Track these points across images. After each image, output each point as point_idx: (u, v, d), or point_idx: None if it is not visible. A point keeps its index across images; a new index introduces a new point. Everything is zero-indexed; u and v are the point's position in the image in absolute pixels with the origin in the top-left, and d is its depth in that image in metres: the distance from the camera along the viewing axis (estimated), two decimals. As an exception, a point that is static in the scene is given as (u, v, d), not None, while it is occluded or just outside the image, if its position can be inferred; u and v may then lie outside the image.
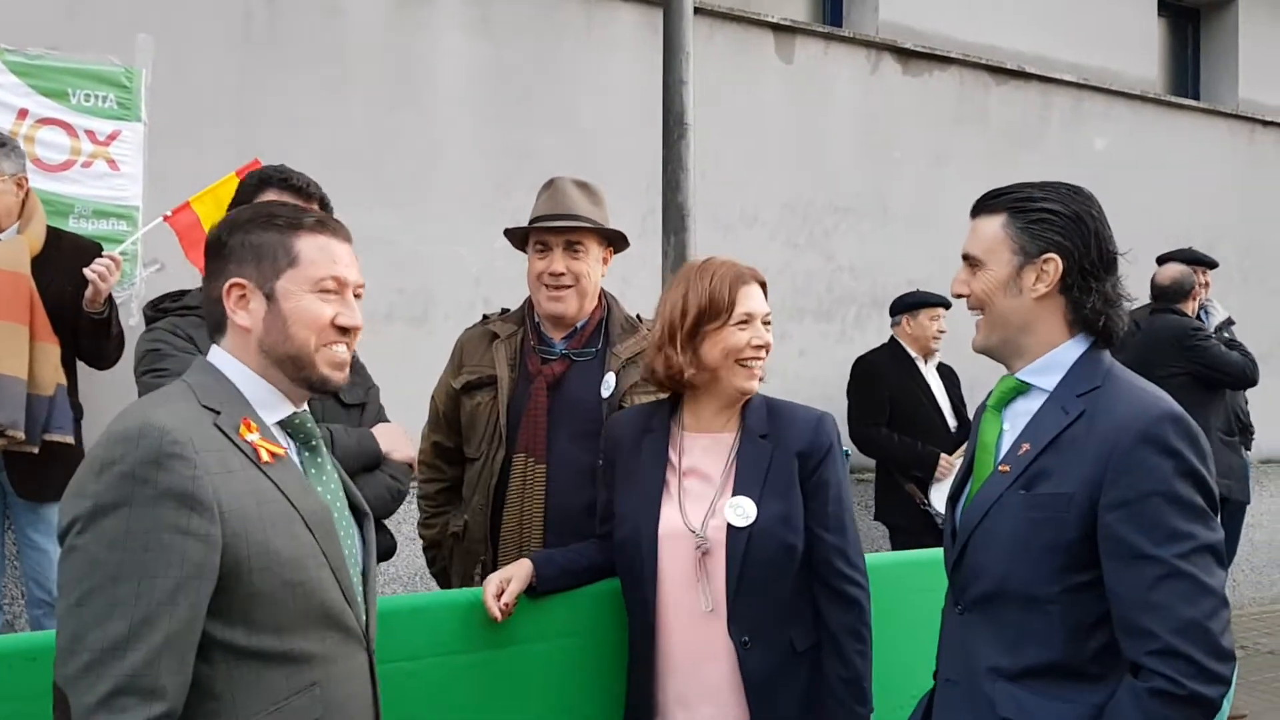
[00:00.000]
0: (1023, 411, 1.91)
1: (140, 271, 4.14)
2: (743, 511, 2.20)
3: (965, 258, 1.94)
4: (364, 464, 2.46)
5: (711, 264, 2.31)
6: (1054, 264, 1.85)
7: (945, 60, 6.31)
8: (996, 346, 1.92)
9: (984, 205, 1.94)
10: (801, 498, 2.23)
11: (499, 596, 2.23)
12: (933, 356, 5.25)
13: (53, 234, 3.68)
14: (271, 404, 1.68)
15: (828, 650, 2.23)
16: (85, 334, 3.59)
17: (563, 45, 5.14)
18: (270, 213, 1.72)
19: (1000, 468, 1.88)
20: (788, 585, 2.23)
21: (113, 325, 3.61)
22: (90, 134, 4.12)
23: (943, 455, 4.95)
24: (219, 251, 1.70)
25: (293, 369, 1.68)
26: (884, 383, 5.12)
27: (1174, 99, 7.35)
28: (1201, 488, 1.73)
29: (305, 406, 1.75)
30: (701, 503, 2.25)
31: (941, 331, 5.16)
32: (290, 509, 1.59)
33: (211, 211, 3.75)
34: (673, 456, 2.30)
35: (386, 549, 2.62)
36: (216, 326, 1.71)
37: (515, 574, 2.30)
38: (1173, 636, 1.66)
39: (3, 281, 3.42)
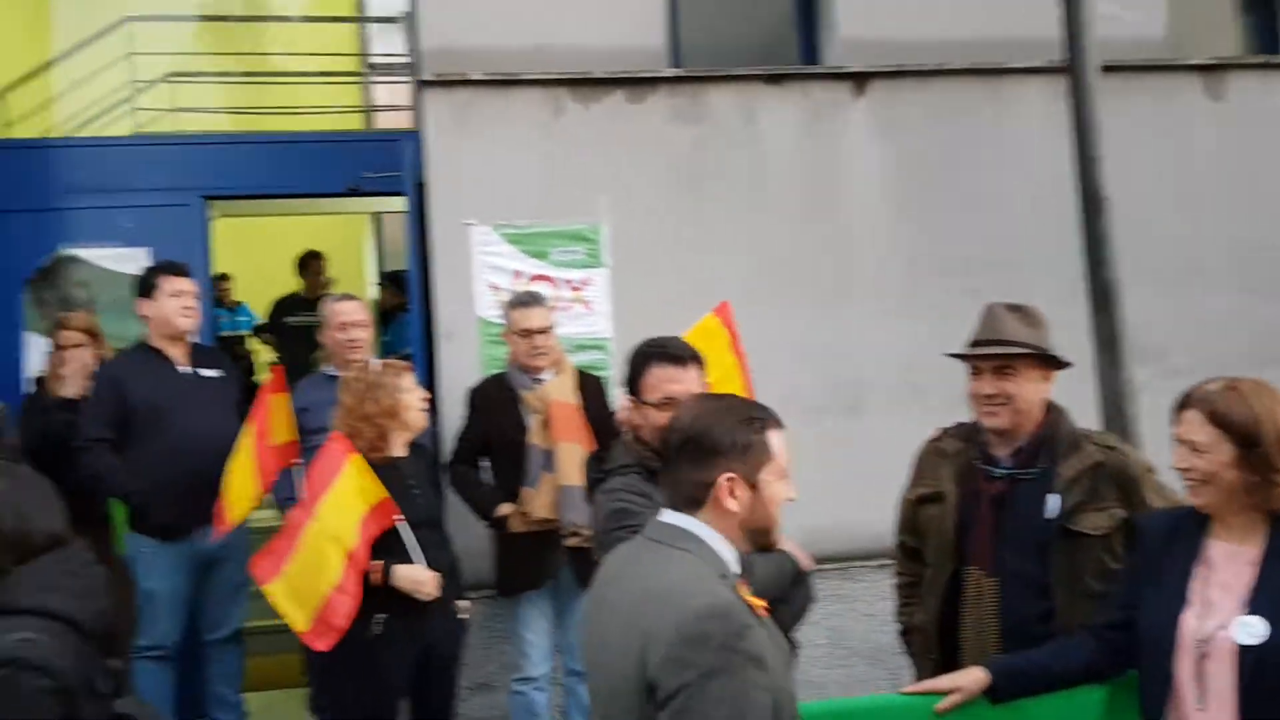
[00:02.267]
0: None
1: (614, 392, 4.92)
2: (1253, 630, 2.24)
3: None
4: (788, 582, 2.84)
5: None
6: None
7: None
8: None
9: None
10: None
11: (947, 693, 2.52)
12: None
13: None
14: (734, 562, 2.02)
15: None
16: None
17: (969, 130, 5.30)
18: (749, 416, 2.06)
19: None
20: None
21: None
22: (568, 283, 5.00)
23: None
24: (710, 446, 2.01)
25: (762, 537, 2.05)
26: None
27: None
28: None
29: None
30: (1216, 611, 2.32)
31: None
32: (781, 655, 1.98)
33: (700, 342, 4.40)
34: (1199, 564, 2.39)
35: None
36: (695, 502, 2.01)
37: (964, 685, 2.53)
38: None
39: (566, 412, 4.25)
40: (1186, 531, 2.44)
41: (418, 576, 3.71)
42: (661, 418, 2.78)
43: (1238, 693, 2.24)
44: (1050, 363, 2.90)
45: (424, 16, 5.10)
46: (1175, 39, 5.59)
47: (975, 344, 2.94)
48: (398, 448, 3.91)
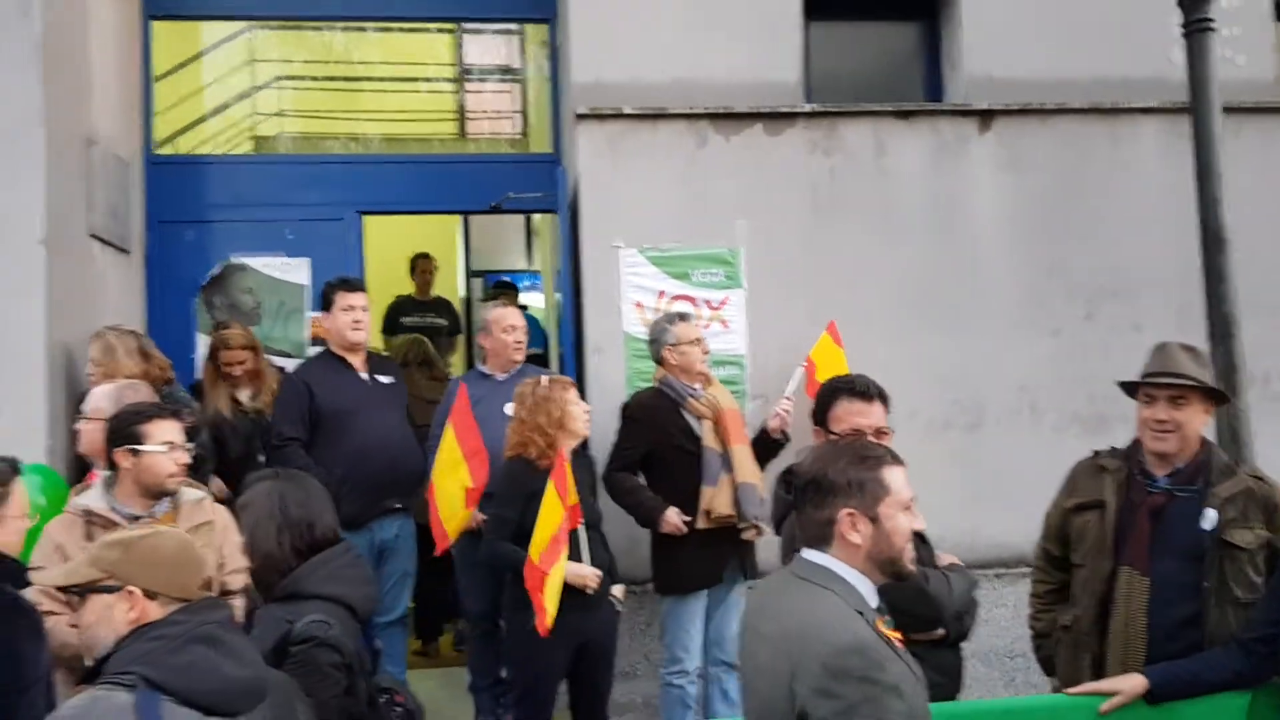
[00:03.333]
0: None
1: (748, 405, 5.29)
2: None
3: None
4: (973, 589, 3.21)
5: None
6: None
7: None
8: None
9: None
10: None
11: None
12: None
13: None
14: (871, 595, 2.24)
15: None
16: (763, 453, 4.76)
17: (1088, 165, 5.60)
18: (861, 455, 2.28)
19: None
20: None
21: (782, 448, 4.79)
22: (708, 303, 5.37)
23: None
24: (828, 486, 2.23)
25: (890, 566, 2.24)
26: None
27: None
28: None
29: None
30: None
31: None
32: (915, 682, 2.19)
33: (822, 360, 4.77)
34: None
35: None
36: (823, 539, 2.25)
37: (1125, 688, 2.90)
38: None
39: (733, 417, 4.67)
40: None
41: (583, 572, 4.13)
42: None
43: None
44: (1215, 398, 3.28)
45: (576, 52, 5.48)
46: (1283, 81, 5.85)
47: (1151, 375, 3.28)
48: (563, 456, 4.32)
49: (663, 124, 5.37)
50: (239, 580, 3.48)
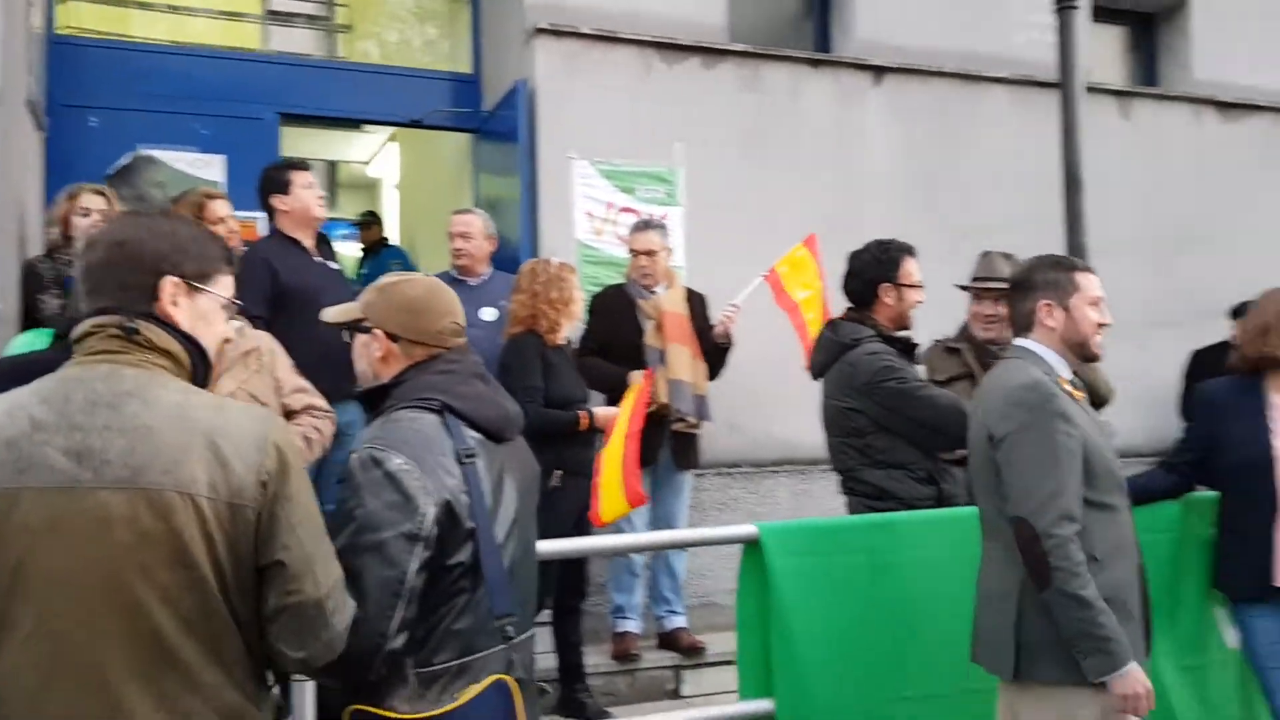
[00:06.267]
0: None
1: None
2: None
3: None
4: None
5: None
6: None
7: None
8: None
9: None
10: None
11: None
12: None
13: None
14: (1062, 367, 2.82)
15: None
16: (711, 356, 5.16)
17: (948, 125, 6.58)
18: (1059, 261, 2.94)
19: None
20: None
21: (729, 351, 5.21)
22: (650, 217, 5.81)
23: None
24: (1029, 283, 2.87)
25: (1079, 349, 2.85)
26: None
27: None
28: None
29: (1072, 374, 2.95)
30: None
31: None
32: (1094, 424, 2.77)
33: (791, 269, 5.29)
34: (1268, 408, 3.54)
35: None
36: (1027, 327, 2.87)
37: None
38: None
39: (676, 320, 5.02)
40: (1251, 392, 3.60)
41: (610, 413, 4.52)
42: (915, 298, 3.85)
43: None
44: None
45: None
46: None
47: (978, 279, 4.17)
48: (562, 335, 4.65)
49: (616, 47, 5.78)
50: (300, 400, 3.65)
